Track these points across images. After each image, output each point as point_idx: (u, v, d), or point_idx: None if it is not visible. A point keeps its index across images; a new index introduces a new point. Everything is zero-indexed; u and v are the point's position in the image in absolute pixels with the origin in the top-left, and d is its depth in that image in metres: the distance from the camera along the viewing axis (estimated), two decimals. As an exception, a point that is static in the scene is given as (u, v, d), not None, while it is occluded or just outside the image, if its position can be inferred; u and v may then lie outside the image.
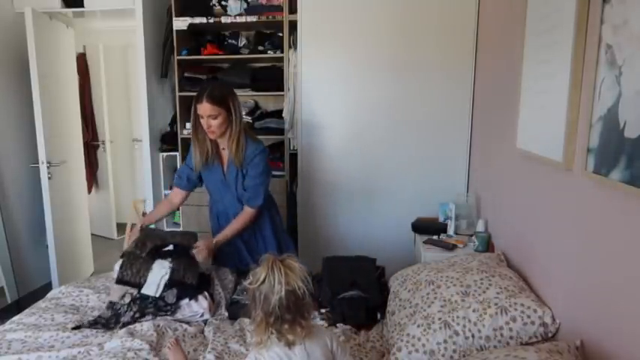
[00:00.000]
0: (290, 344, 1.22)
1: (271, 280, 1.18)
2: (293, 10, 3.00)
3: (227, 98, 2.14)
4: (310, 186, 3.05)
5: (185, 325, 1.92)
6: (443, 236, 2.44)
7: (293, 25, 3.02)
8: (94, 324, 1.92)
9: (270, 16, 3.14)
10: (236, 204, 2.31)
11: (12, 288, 3.29)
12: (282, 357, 1.22)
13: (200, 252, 2.10)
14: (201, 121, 2.14)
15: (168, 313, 1.98)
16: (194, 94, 3.45)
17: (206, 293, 2.06)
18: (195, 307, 2.01)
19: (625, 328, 1.10)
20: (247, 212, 2.25)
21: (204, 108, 2.10)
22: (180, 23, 3.25)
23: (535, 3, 1.68)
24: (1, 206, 3.22)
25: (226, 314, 2.04)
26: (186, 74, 3.40)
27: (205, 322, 1.99)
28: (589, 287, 1.27)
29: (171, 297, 2.01)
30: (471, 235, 2.37)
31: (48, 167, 3.27)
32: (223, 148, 2.26)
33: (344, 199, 3.03)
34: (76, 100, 3.80)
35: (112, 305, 2.02)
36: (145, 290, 2.01)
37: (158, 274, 2.04)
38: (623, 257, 1.11)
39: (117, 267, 2.16)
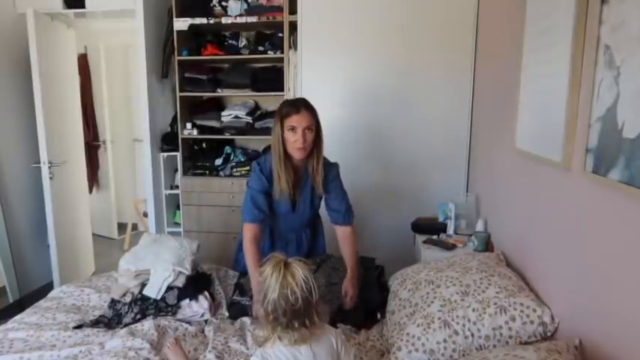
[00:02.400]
0: (292, 343, 1.22)
1: (271, 280, 1.19)
2: (293, 10, 3.00)
3: (316, 110, 1.90)
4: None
5: (186, 325, 1.93)
6: (442, 236, 2.44)
7: (293, 26, 3.02)
8: (97, 323, 1.94)
9: (271, 17, 3.15)
10: (300, 229, 2.22)
11: (14, 287, 3.30)
12: (288, 357, 1.22)
13: (350, 298, 1.99)
14: (291, 135, 1.84)
15: (169, 314, 1.99)
16: (194, 94, 3.54)
17: (206, 293, 2.07)
18: (196, 307, 2.02)
19: (624, 328, 1.10)
20: (352, 232, 2.09)
21: (303, 118, 1.82)
22: (181, 24, 3.25)
23: (534, 3, 1.68)
24: (2, 206, 3.23)
25: (227, 314, 2.05)
26: (186, 74, 3.40)
27: (206, 321, 2.00)
28: (588, 286, 1.28)
29: (172, 298, 2.02)
30: (471, 235, 2.37)
31: (49, 167, 3.27)
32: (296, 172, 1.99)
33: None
34: (77, 101, 3.80)
35: (113, 305, 2.03)
36: (146, 291, 2.02)
37: (161, 277, 2.04)
38: (621, 257, 1.11)
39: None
